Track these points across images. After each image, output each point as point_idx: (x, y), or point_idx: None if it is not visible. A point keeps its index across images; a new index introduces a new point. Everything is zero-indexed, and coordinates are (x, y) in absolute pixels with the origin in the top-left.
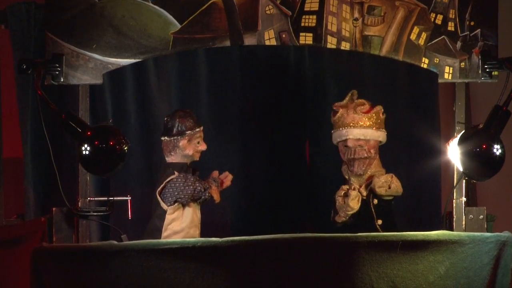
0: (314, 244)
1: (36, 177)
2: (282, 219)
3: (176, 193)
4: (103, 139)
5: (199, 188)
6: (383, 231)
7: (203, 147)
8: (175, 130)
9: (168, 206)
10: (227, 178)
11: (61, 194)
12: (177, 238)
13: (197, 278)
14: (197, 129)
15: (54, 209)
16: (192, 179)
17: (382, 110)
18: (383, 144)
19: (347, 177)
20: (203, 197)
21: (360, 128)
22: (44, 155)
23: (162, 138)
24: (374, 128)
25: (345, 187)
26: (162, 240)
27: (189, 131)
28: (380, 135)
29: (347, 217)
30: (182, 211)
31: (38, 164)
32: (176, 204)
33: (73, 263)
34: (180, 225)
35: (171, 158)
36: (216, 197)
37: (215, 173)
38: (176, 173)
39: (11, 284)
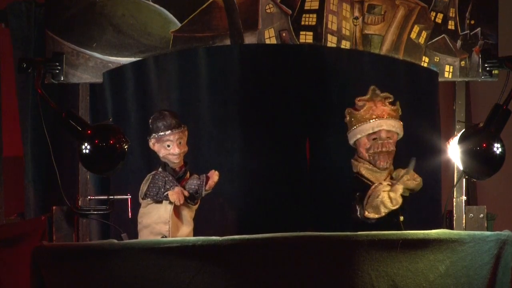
0: (314, 243)
1: (36, 176)
2: (282, 218)
3: (146, 188)
4: (103, 138)
5: (162, 190)
6: (405, 228)
7: (173, 150)
8: (150, 130)
9: (141, 199)
10: (213, 176)
11: (61, 192)
12: (146, 232)
13: (197, 277)
14: (162, 133)
15: (54, 207)
16: (161, 179)
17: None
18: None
19: (363, 172)
20: (162, 199)
21: (392, 119)
22: (44, 153)
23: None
24: (399, 121)
25: (386, 181)
26: (162, 239)
27: (154, 134)
28: (402, 129)
29: (384, 213)
30: (152, 206)
31: (38, 162)
32: (148, 199)
33: (73, 262)
34: (147, 220)
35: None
36: (173, 198)
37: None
38: (160, 169)
39: (11, 283)
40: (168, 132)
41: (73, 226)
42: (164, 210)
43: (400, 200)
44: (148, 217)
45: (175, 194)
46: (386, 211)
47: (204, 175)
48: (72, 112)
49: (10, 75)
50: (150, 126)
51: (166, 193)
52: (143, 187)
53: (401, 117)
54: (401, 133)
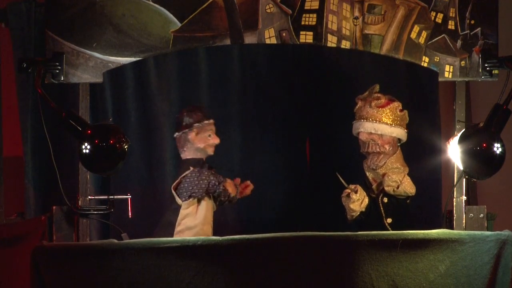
0: (315, 243)
1: (36, 176)
2: (282, 218)
3: (191, 187)
4: (103, 138)
5: (213, 181)
6: (393, 230)
7: (215, 140)
8: (183, 123)
9: (183, 201)
10: (248, 188)
11: (61, 192)
12: (190, 234)
13: (197, 277)
14: (206, 122)
15: (54, 207)
16: (206, 173)
17: (400, 107)
18: (404, 142)
19: (365, 170)
20: (217, 190)
21: (372, 122)
22: (44, 153)
23: (174, 136)
24: (389, 123)
25: (350, 188)
26: (162, 238)
27: (196, 123)
28: (395, 131)
29: (353, 217)
30: (197, 207)
31: (38, 162)
32: (190, 199)
33: (73, 262)
34: (194, 221)
35: (185, 154)
36: (231, 189)
37: (237, 180)
38: (191, 168)
39: (11, 283)
40: (206, 121)
41: (73, 226)
42: (207, 210)
43: (355, 208)
44: (193, 218)
45: (232, 185)
46: (350, 216)
47: (239, 184)
48: (72, 112)
49: (10, 75)
50: (186, 119)
51: (221, 185)
52: (186, 188)
53: (399, 119)
54: (396, 135)
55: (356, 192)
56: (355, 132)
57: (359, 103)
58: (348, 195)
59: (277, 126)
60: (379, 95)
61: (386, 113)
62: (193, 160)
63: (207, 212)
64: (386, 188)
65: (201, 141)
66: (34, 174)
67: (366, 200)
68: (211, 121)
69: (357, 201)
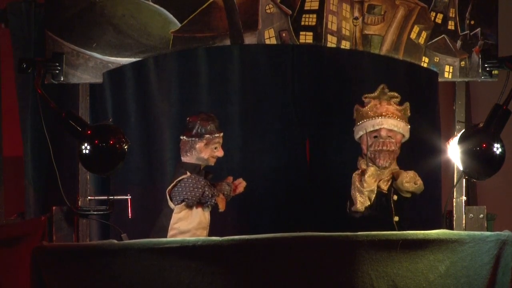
0: (314, 243)
1: (36, 176)
2: (282, 218)
3: (184, 193)
4: (103, 138)
5: (207, 193)
6: (399, 229)
7: (219, 153)
8: (194, 131)
9: (175, 205)
10: (241, 185)
11: (61, 193)
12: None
13: (197, 277)
14: (217, 135)
15: (54, 208)
16: (202, 182)
17: (408, 106)
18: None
19: (365, 168)
20: (208, 202)
21: (394, 119)
22: (44, 153)
23: (181, 137)
24: (405, 121)
25: (362, 164)
26: (163, 239)
27: (207, 135)
28: (407, 131)
29: (364, 208)
30: (191, 211)
31: (38, 163)
32: (183, 203)
33: (73, 262)
34: (188, 225)
35: (186, 158)
36: (222, 206)
37: (229, 179)
38: (188, 173)
39: (11, 283)
40: (216, 134)
41: (73, 227)
42: (203, 216)
43: (370, 182)
44: (187, 222)
45: (223, 201)
46: (362, 200)
47: (232, 182)
48: (72, 112)
49: (10, 75)
50: (199, 128)
51: (213, 199)
52: (180, 192)
53: (408, 119)
54: (407, 135)
55: (372, 166)
56: (371, 130)
57: (372, 102)
58: (363, 172)
59: (277, 126)
60: (395, 93)
61: (403, 112)
62: (191, 165)
63: (201, 217)
64: (406, 185)
65: (207, 152)
66: (34, 175)
67: (375, 189)
68: (221, 134)
69: (373, 174)
